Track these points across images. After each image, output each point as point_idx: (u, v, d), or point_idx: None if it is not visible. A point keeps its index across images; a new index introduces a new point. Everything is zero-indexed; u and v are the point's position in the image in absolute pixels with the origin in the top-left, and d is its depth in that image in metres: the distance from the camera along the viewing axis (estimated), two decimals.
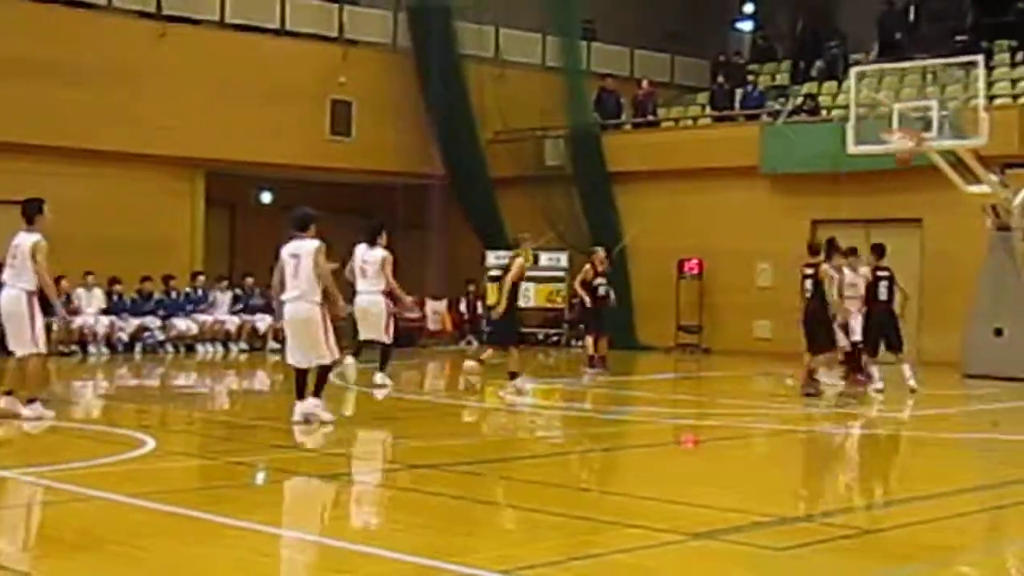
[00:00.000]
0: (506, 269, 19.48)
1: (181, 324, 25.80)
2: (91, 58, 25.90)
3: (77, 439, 12.98)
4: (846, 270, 19.22)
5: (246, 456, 11.85)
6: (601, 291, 22.32)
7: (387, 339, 18.40)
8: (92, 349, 24.51)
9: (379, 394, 17.50)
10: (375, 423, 14.85)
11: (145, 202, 26.98)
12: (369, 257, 18.49)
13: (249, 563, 7.55)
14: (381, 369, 18.18)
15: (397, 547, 7.42)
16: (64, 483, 9.56)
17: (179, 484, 10.40)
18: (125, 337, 25.15)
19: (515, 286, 18.83)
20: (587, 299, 22.24)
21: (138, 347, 25.15)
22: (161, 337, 25.48)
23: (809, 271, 18.10)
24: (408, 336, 29.90)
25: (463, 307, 30.92)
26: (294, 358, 13.78)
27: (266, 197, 31.54)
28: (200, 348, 25.87)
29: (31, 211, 14.08)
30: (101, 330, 24.79)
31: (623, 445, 14.08)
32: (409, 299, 17.94)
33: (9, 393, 13.63)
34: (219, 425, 14.98)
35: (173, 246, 27.37)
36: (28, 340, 13.57)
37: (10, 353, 13.99)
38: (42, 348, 13.74)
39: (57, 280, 18.23)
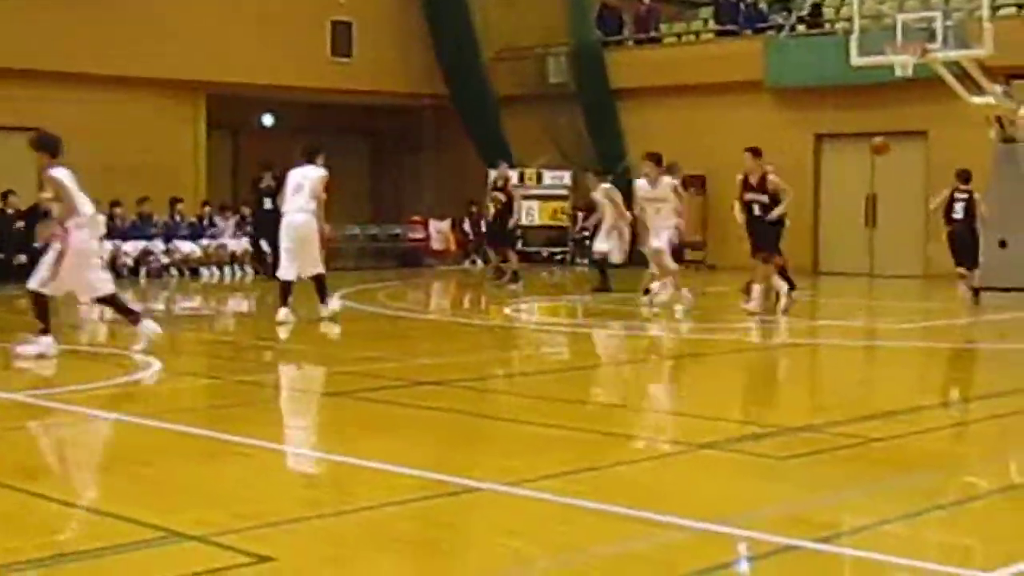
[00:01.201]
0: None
1: (185, 247, 25.80)
2: None
3: (84, 362, 13.02)
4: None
5: (252, 375, 11.89)
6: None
7: (321, 268, 15.93)
8: None
9: (330, 323, 15.76)
10: (380, 342, 14.89)
11: (146, 127, 26.88)
12: (311, 174, 15.87)
13: (255, 480, 7.60)
14: (322, 301, 15.99)
15: (403, 462, 7.46)
16: (72, 405, 9.61)
17: (186, 403, 10.45)
18: (129, 261, 25.16)
19: None
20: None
21: (142, 271, 25.17)
22: (165, 261, 25.49)
23: (962, 196, 19.22)
24: (413, 256, 29.96)
25: (466, 226, 30.89)
26: (286, 273, 15.54)
27: (268, 120, 31.43)
28: (204, 272, 25.89)
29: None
30: (104, 255, 24.76)
31: (627, 360, 14.13)
32: (327, 228, 15.99)
33: None
34: (225, 346, 15.03)
35: (176, 171, 27.31)
36: None
37: None
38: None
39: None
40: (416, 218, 30.95)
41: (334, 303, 16.27)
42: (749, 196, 17.22)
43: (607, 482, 7.21)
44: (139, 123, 26.70)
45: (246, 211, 26.80)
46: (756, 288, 17.22)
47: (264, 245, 24.86)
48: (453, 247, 30.90)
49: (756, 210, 17.15)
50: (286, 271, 15.63)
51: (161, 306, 20.89)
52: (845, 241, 27.10)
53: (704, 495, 6.94)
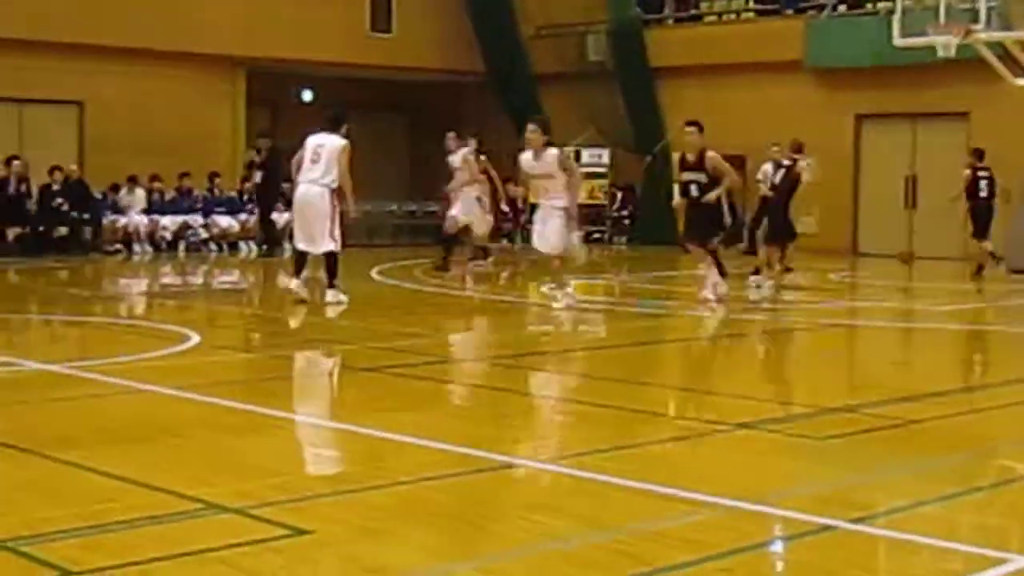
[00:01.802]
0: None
1: (223, 222, 25.89)
2: None
3: (124, 335, 13.12)
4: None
5: (289, 350, 11.95)
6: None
7: (332, 245, 14.90)
8: (136, 248, 24.67)
9: (332, 312, 14.69)
10: (416, 318, 14.91)
11: (186, 101, 26.98)
12: (327, 142, 14.96)
13: (292, 454, 7.65)
14: (331, 285, 15.13)
15: (440, 437, 7.48)
16: (112, 376, 9.67)
17: (223, 377, 10.50)
18: (168, 236, 25.28)
19: None
20: None
21: (181, 245, 25.28)
22: (204, 235, 25.60)
23: (985, 174, 20.23)
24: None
25: (502, 205, 30.81)
26: (300, 242, 14.95)
27: (307, 95, 31.48)
28: (243, 246, 25.98)
29: None
30: (144, 229, 24.93)
31: (665, 339, 14.11)
32: (354, 206, 14.96)
33: None
34: (263, 320, 15.09)
35: (215, 146, 27.41)
36: None
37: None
38: None
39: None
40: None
41: (339, 294, 15.02)
42: (686, 176, 15.98)
43: (641, 460, 7.21)
44: (179, 98, 26.79)
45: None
46: (709, 278, 16.16)
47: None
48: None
49: (693, 191, 15.88)
50: (298, 241, 15.17)
51: (199, 280, 21.01)
52: (885, 222, 26.94)
53: (739, 474, 6.93)
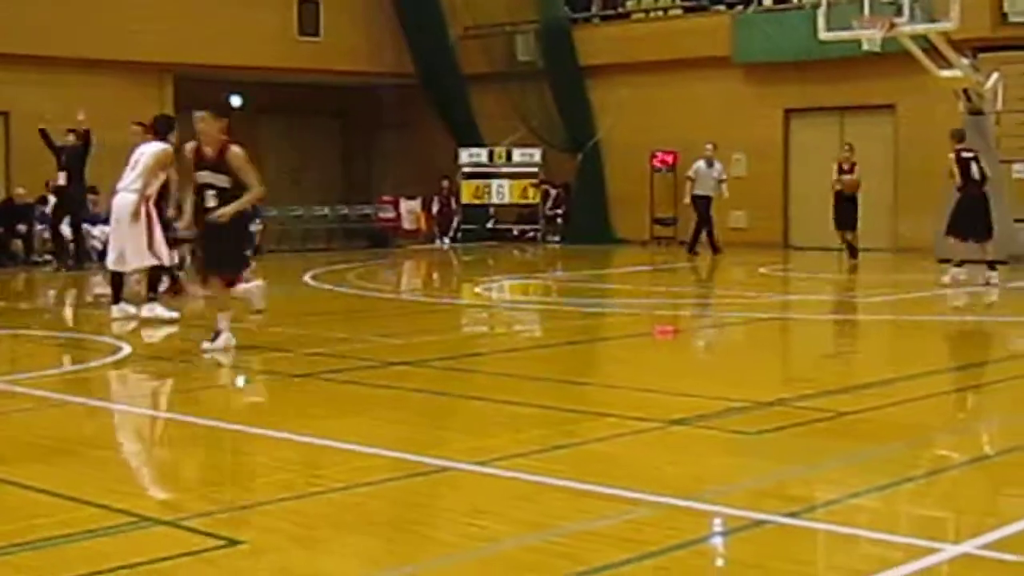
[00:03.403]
0: None
1: None
2: None
3: (54, 347, 12.95)
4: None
5: (221, 359, 11.83)
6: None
7: (149, 259, 13.81)
8: (67, 259, 24.34)
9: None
10: (351, 322, 14.85)
11: (113, 109, 26.63)
12: (146, 149, 13.88)
13: (225, 463, 7.58)
14: (151, 298, 14.12)
15: (373, 442, 7.45)
16: (41, 390, 9.54)
17: (154, 387, 10.40)
18: (99, 246, 24.98)
19: None
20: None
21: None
22: None
23: (971, 155, 18.57)
24: (384, 236, 29.90)
25: (436, 206, 30.83)
26: (110, 259, 14.13)
27: (236, 101, 31.22)
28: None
29: None
30: (73, 239, 24.59)
31: (600, 337, 14.13)
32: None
33: None
34: (194, 329, 14.94)
35: None
36: None
37: None
38: None
39: None
40: (386, 198, 30.89)
41: (157, 307, 14.00)
42: (203, 177, 11.32)
43: (577, 460, 7.21)
44: (106, 105, 26.44)
45: None
46: (222, 323, 11.70)
47: (65, 230, 23.08)
48: (424, 227, 30.84)
49: (210, 200, 11.22)
50: (110, 259, 14.14)
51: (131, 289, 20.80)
52: (815, 216, 27.12)
53: (675, 471, 6.94)
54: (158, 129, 14.20)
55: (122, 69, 26.59)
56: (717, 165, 24.58)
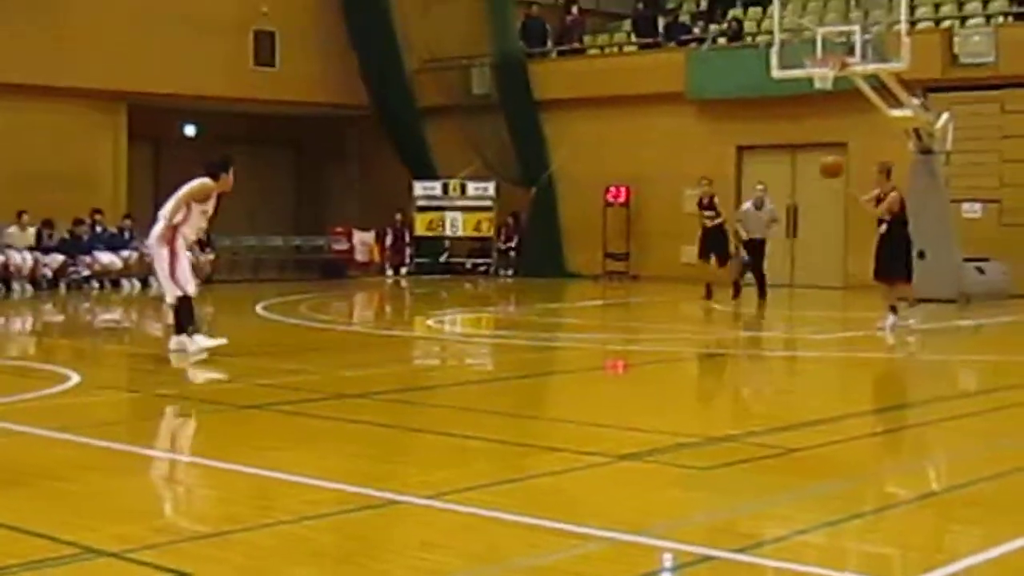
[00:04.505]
0: None
1: (105, 258, 25.50)
2: None
3: (2, 375, 12.83)
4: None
5: (171, 389, 11.77)
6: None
7: (176, 290, 13.50)
8: (15, 286, 24.19)
9: (216, 368, 12.97)
10: (301, 354, 14.79)
11: (67, 137, 26.61)
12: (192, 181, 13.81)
13: (173, 495, 7.53)
14: (179, 331, 13.62)
15: (322, 475, 7.42)
16: None
17: (104, 417, 10.32)
18: (49, 273, 24.85)
19: None
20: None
21: (63, 283, 24.86)
22: (86, 272, 25.19)
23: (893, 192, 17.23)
24: (337, 267, 29.84)
25: (390, 238, 30.82)
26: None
27: (190, 130, 31.19)
28: (125, 283, 25.59)
29: None
30: (26, 266, 24.46)
31: (551, 371, 14.14)
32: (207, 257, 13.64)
33: None
34: (145, 359, 14.86)
35: (96, 181, 27.07)
36: None
37: None
38: None
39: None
40: (339, 229, 30.84)
41: (188, 340, 13.45)
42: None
43: (528, 494, 7.21)
44: (59, 133, 26.42)
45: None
46: None
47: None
48: (377, 258, 30.82)
49: None
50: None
51: (81, 318, 20.68)
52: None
53: (625, 506, 6.95)
54: (211, 166, 13.74)
55: (75, 96, 26.49)
56: (768, 206, 23.12)
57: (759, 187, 23.31)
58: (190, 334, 13.46)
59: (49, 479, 7.56)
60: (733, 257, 22.95)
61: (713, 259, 22.71)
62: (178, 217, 13.44)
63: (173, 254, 13.38)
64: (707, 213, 22.93)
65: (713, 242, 22.80)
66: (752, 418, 10.55)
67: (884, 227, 17.12)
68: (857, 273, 24.87)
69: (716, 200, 23.11)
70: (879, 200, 17.21)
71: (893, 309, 16.71)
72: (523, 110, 29.83)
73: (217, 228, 19.51)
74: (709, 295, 22.10)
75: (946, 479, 8.16)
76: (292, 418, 9.97)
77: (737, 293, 22.53)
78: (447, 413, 10.61)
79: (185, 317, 13.49)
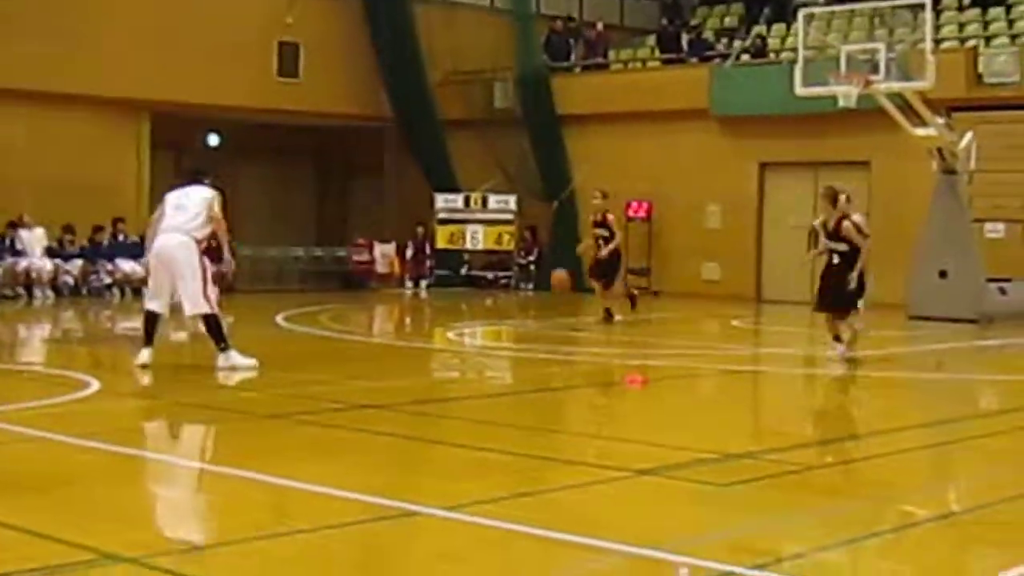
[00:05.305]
0: None
1: (127, 266, 25.56)
2: None
3: (23, 381, 12.87)
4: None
5: (190, 397, 11.79)
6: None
7: (206, 307, 13.05)
8: (37, 292, 24.27)
9: (236, 377, 12.89)
10: (322, 364, 14.80)
11: (90, 145, 26.69)
12: (192, 192, 13.26)
13: (190, 501, 7.54)
14: (221, 348, 13.20)
15: (341, 485, 7.41)
16: (8, 424, 9.48)
17: (123, 424, 10.34)
18: (71, 280, 24.93)
19: None
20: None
21: (84, 290, 24.92)
22: (108, 280, 25.26)
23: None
24: (358, 278, 29.87)
25: (411, 250, 30.83)
26: (152, 301, 13.32)
27: (213, 140, 31.27)
28: (146, 291, 25.58)
29: None
30: (46, 273, 24.54)
31: (571, 385, 14.12)
32: (230, 260, 13.36)
33: None
34: (165, 366, 14.88)
35: (119, 189, 27.11)
36: None
37: None
38: None
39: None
40: (361, 241, 30.86)
41: (235, 356, 13.15)
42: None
43: (546, 507, 7.19)
44: (83, 142, 26.50)
45: None
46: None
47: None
48: (398, 270, 30.83)
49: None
50: (149, 300, 13.57)
51: (102, 325, 20.73)
52: (788, 269, 27.23)
53: (643, 521, 6.93)
54: (197, 176, 13.42)
55: (99, 105, 26.57)
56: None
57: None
58: (224, 349, 13.16)
59: (67, 485, 7.58)
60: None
61: (599, 285, 20.58)
62: (205, 232, 13.14)
63: (205, 268, 13.04)
64: (599, 231, 20.44)
65: (606, 267, 20.40)
66: (771, 435, 10.52)
67: (837, 259, 15.43)
68: (880, 292, 24.81)
69: (611, 219, 20.74)
70: (829, 231, 15.55)
71: (837, 339, 15.47)
72: (546, 125, 29.83)
73: (239, 238, 19.54)
74: (609, 318, 20.27)
75: (967, 499, 8.12)
76: (311, 428, 9.97)
77: (634, 304, 21.19)
78: (466, 425, 10.60)
79: (219, 332, 13.16)
